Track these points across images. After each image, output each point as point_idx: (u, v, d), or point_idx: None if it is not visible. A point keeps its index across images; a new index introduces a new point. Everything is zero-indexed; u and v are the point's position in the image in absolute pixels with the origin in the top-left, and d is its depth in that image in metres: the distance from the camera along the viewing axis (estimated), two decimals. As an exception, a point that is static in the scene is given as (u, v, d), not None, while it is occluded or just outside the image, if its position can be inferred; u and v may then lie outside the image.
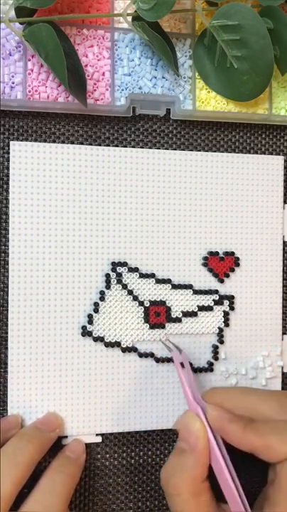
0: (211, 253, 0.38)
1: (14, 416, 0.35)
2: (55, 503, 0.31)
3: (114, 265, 0.36)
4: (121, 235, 0.37)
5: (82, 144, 0.37)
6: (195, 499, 0.30)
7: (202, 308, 0.38)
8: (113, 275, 0.36)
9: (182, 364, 0.34)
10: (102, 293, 0.36)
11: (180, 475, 0.31)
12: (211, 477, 0.31)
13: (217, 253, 0.38)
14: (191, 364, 0.37)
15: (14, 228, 0.35)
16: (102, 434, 0.37)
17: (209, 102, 0.38)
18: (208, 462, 0.31)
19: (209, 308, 0.38)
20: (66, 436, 0.36)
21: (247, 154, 0.39)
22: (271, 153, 0.40)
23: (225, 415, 0.31)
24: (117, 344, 0.36)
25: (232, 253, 0.38)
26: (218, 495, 0.31)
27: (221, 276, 0.38)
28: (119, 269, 0.36)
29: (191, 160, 0.38)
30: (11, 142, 0.35)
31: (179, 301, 0.37)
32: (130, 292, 0.37)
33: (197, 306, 0.38)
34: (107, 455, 0.37)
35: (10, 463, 0.30)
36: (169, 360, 0.37)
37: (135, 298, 0.37)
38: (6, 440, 0.32)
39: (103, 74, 0.36)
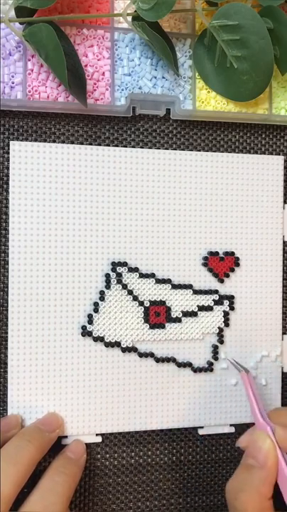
0: (211, 253, 0.38)
1: (14, 416, 0.35)
2: (56, 503, 0.31)
3: (114, 265, 0.36)
4: (121, 235, 0.37)
5: (82, 143, 0.37)
6: None
7: (202, 308, 0.38)
8: (113, 275, 0.36)
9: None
10: (102, 293, 0.36)
11: (248, 491, 0.31)
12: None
13: (217, 253, 0.38)
14: (191, 364, 0.37)
15: (14, 228, 0.35)
16: (102, 434, 0.37)
17: (209, 102, 0.38)
18: (275, 479, 0.31)
19: (209, 308, 0.38)
20: (66, 436, 0.36)
21: (247, 154, 0.39)
22: (271, 153, 0.40)
23: None
24: (117, 344, 0.36)
25: (232, 253, 0.38)
26: None
27: (221, 276, 0.38)
28: (119, 269, 0.36)
29: (191, 160, 0.38)
30: (11, 142, 0.35)
31: (179, 301, 0.37)
32: (130, 292, 0.37)
33: (197, 306, 0.38)
34: (107, 455, 0.37)
35: (10, 462, 0.30)
36: (169, 360, 0.37)
37: (135, 298, 0.37)
38: (6, 440, 0.32)
39: (103, 74, 0.36)
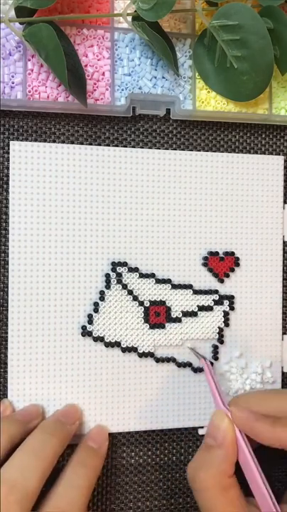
0: (211, 253, 0.38)
1: (35, 406, 0.35)
2: (79, 497, 0.30)
3: (114, 265, 0.36)
4: (121, 235, 0.37)
5: (82, 143, 0.37)
6: (222, 494, 0.30)
7: (202, 308, 0.38)
8: (113, 275, 0.36)
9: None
10: (102, 293, 0.36)
11: (208, 470, 0.31)
12: (238, 474, 0.32)
13: (217, 253, 0.38)
14: (191, 364, 0.37)
15: (14, 228, 0.35)
16: (102, 434, 0.37)
17: (209, 102, 0.38)
18: (235, 458, 0.31)
19: (209, 308, 0.38)
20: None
21: (247, 154, 0.39)
22: (271, 153, 0.40)
23: (251, 415, 0.31)
24: (117, 344, 0.36)
25: (232, 253, 0.38)
26: (246, 491, 0.32)
27: (221, 276, 0.38)
28: (119, 269, 0.36)
29: (191, 160, 0.38)
30: (11, 142, 0.35)
31: (179, 301, 0.37)
32: (130, 292, 0.37)
33: (197, 306, 0.38)
34: (107, 455, 0.37)
35: (35, 457, 0.30)
36: (169, 360, 0.37)
37: (135, 298, 0.37)
38: (28, 431, 0.32)
39: (103, 74, 0.36)
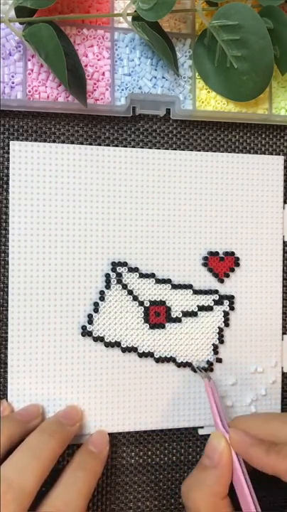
0: (211, 253, 0.38)
1: (35, 406, 0.35)
2: (77, 498, 0.30)
3: (114, 265, 0.36)
4: (121, 235, 0.37)
5: (82, 143, 0.37)
6: None
7: (202, 308, 0.38)
8: (113, 275, 0.36)
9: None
10: (102, 293, 0.36)
11: (201, 490, 0.31)
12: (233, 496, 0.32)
13: (217, 253, 0.38)
14: (191, 364, 0.37)
15: (14, 228, 0.35)
16: (102, 434, 0.37)
17: (209, 102, 0.38)
18: (230, 480, 0.31)
19: (209, 308, 0.38)
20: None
21: (247, 154, 0.39)
22: (271, 153, 0.40)
23: (247, 439, 0.31)
24: (117, 344, 0.36)
25: (232, 253, 0.38)
26: None
27: (221, 276, 0.38)
28: (119, 269, 0.36)
29: (191, 160, 0.38)
30: (11, 142, 0.35)
31: (179, 301, 0.37)
32: (130, 292, 0.37)
33: (197, 306, 0.38)
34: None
35: (33, 457, 0.30)
36: (169, 360, 0.37)
37: (135, 298, 0.37)
38: (28, 431, 0.32)
39: (103, 74, 0.36)
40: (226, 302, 0.38)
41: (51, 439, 0.31)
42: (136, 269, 0.37)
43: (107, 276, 0.36)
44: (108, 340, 0.36)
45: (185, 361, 0.37)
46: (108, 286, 0.36)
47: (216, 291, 0.38)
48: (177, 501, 0.38)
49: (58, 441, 0.32)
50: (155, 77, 0.37)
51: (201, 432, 0.38)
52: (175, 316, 0.37)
